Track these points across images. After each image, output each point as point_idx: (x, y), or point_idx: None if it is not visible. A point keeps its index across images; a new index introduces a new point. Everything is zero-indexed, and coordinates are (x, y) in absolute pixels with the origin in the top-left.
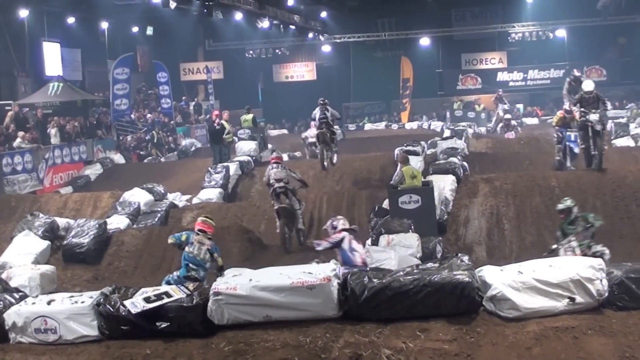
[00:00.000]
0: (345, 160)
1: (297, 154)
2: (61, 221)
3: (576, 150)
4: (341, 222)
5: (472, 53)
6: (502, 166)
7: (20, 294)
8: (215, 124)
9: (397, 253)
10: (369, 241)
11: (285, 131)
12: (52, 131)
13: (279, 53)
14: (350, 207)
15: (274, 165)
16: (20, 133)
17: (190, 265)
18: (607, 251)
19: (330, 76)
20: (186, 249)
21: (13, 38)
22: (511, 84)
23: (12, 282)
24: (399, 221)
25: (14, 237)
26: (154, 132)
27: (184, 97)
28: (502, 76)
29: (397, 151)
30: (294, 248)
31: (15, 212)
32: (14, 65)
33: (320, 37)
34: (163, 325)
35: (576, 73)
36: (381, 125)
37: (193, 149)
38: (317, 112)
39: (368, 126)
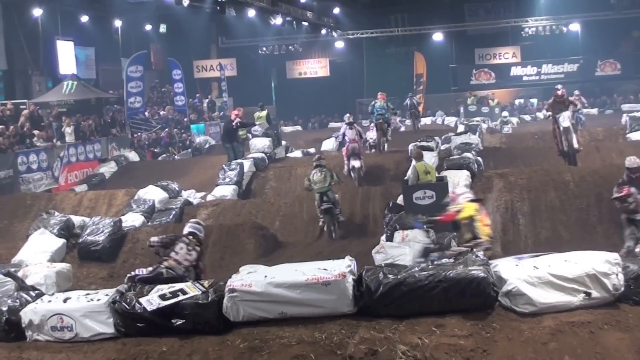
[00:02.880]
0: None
1: (311, 150)
2: (76, 219)
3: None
4: None
5: (486, 48)
6: (517, 161)
7: (36, 292)
8: (234, 124)
9: (411, 249)
10: (383, 237)
11: (298, 127)
12: (67, 129)
13: (292, 49)
14: (365, 202)
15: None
16: (36, 132)
17: None
18: None
19: (343, 72)
20: None
21: (27, 37)
22: (525, 78)
23: (28, 280)
24: (413, 217)
25: (29, 235)
26: (174, 131)
27: (197, 95)
28: (515, 71)
29: (411, 147)
30: (322, 247)
31: (30, 210)
32: (28, 64)
33: (333, 33)
34: (179, 323)
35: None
36: (395, 122)
37: (207, 146)
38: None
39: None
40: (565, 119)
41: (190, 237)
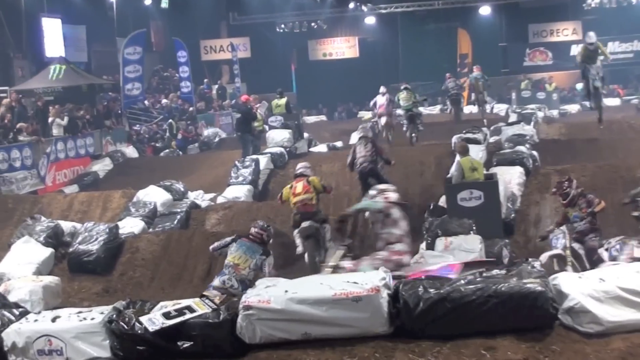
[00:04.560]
0: (394, 151)
1: (338, 144)
2: (66, 225)
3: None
4: None
5: (542, 23)
6: (579, 156)
7: (20, 309)
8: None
9: (456, 258)
10: (423, 245)
11: (323, 117)
12: (57, 121)
13: (315, 27)
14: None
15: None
16: (20, 125)
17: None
18: None
19: (374, 53)
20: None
21: (7, 14)
22: None
23: (11, 296)
24: (458, 221)
25: (12, 244)
26: (172, 121)
27: (205, 80)
28: (576, 50)
29: (454, 139)
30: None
31: (13, 215)
32: (9, 46)
33: (363, 7)
34: (185, 345)
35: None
36: (435, 110)
37: (217, 139)
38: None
39: (420, 110)
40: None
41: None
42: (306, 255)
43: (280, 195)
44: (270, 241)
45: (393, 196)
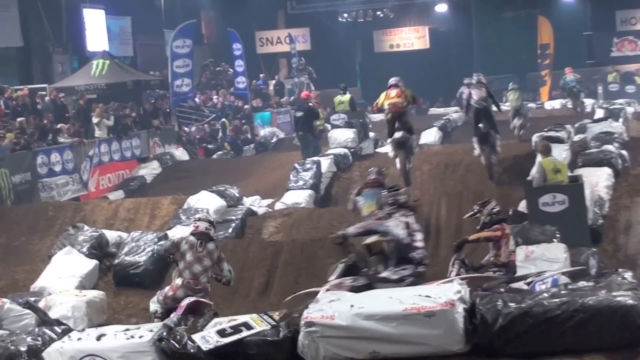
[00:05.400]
0: (468, 152)
1: None
2: (111, 235)
3: None
4: None
5: (631, 10)
6: None
7: (62, 327)
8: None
9: (538, 269)
10: None
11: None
12: (104, 121)
13: (381, 16)
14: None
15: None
16: (61, 125)
17: None
18: None
19: (447, 44)
20: None
21: (46, 5)
22: None
23: (52, 312)
24: (540, 228)
25: (52, 255)
26: (225, 120)
27: (261, 75)
28: None
29: (535, 138)
30: None
31: (53, 224)
32: (49, 40)
33: None
34: None
35: None
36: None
37: (274, 140)
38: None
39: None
40: None
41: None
42: (397, 160)
43: (376, 102)
44: (387, 180)
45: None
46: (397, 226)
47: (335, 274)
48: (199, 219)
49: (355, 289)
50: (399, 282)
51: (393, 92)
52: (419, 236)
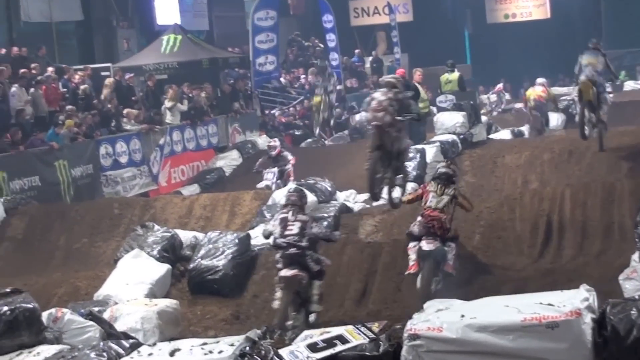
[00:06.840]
0: (595, 138)
1: (524, 128)
2: (185, 235)
3: None
4: None
5: None
6: None
7: (131, 341)
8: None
9: None
10: (635, 256)
11: (506, 96)
12: (178, 106)
13: None
14: (607, 205)
15: None
16: (127, 111)
17: None
18: None
19: (570, 13)
20: None
21: None
22: None
23: (119, 324)
24: None
25: (118, 259)
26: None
27: (356, 51)
28: None
29: None
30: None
31: (119, 223)
32: (112, 13)
33: None
34: None
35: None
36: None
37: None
38: None
39: (629, 85)
40: None
41: None
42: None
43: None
44: None
45: None
46: None
47: None
48: None
49: None
50: None
51: (538, 89)
52: None
